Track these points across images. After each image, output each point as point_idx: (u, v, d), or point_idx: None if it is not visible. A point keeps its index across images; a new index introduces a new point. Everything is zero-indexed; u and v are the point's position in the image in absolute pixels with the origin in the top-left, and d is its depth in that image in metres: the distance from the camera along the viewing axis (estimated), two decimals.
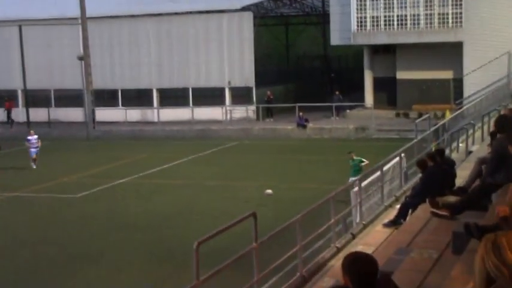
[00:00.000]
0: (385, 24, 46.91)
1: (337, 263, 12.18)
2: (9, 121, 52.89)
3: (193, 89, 51.73)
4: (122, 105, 53.25)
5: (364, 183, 17.94)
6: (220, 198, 27.86)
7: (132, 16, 53.15)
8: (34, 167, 35.52)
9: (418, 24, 46.30)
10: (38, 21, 54.61)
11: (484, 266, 3.83)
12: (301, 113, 45.62)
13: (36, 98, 54.40)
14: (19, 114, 54.44)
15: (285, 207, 21.57)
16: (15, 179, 33.84)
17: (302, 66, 66.67)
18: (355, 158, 26.92)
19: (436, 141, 24.56)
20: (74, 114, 52.87)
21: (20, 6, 63.68)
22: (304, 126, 45.24)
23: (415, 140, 24.25)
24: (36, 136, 36.25)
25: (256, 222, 10.42)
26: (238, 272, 12.07)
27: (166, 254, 20.87)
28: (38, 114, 53.37)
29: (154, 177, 31.75)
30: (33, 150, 35.77)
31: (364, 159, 26.66)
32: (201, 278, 8.92)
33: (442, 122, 27.71)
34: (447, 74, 47.08)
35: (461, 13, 45.36)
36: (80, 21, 49.71)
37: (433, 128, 26.85)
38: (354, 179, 21.18)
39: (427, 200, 12.12)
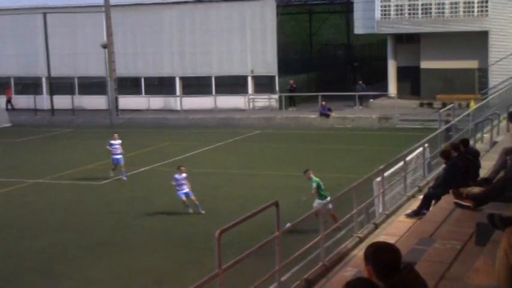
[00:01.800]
0: (409, 13, 46.58)
1: (359, 252, 12.16)
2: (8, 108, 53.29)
3: (216, 78, 51.75)
4: (145, 93, 53.43)
5: (387, 173, 17.86)
6: (242, 186, 27.88)
7: (156, 4, 53.18)
8: (112, 175, 30.03)
9: (443, 12, 45.91)
10: (63, 8, 54.84)
11: (507, 258, 3.79)
12: (323, 102, 45.48)
13: (60, 86, 54.72)
14: (43, 101, 54.80)
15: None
16: (40, 166, 34.09)
17: (325, 55, 66.44)
18: (313, 177, 21.49)
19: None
20: (98, 101, 53.12)
21: None
22: (327, 116, 45.12)
23: (439, 130, 24.10)
24: (120, 141, 30.17)
25: (278, 211, 10.41)
26: (260, 260, 12.09)
27: (189, 241, 20.94)
28: (62, 101, 53.69)
29: (176, 165, 31.81)
30: (115, 157, 29.77)
31: (320, 183, 21.32)
32: (223, 267, 8.93)
33: (465, 113, 27.38)
34: (472, 64, 46.67)
35: (487, 1, 44.89)
36: (104, 9, 49.84)
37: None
38: (319, 201, 20.64)
39: (450, 191, 12.03)
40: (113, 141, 29.96)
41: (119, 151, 29.69)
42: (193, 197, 23.74)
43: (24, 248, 20.99)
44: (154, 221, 23.32)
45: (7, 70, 56.12)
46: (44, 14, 54.18)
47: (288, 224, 13.56)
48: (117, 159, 29.68)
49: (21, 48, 55.71)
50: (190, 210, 23.61)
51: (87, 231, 22.56)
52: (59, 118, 51.20)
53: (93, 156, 34.99)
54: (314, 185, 21.19)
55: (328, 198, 20.36)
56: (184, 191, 23.72)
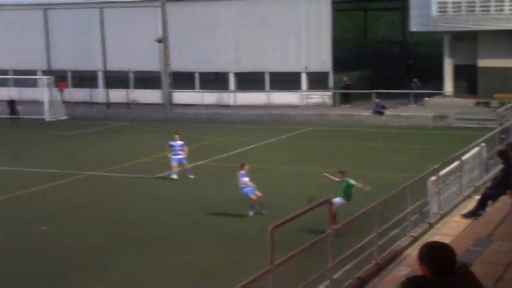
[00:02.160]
0: (467, 10, 45.84)
1: (413, 252, 11.98)
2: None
3: (270, 73, 51.71)
4: (199, 88, 53.70)
5: (442, 173, 17.59)
6: (294, 183, 27.79)
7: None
8: (174, 177, 28.96)
9: (502, 9, 45.07)
10: (119, 3, 55.46)
11: None
12: (377, 100, 45.10)
13: (115, 80, 55.35)
14: (99, 95, 55.52)
15: (359, 195, 21.35)
16: (95, 159, 34.52)
17: (379, 52, 65.84)
18: (346, 179, 21.47)
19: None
20: (152, 96, 53.57)
21: None
22: (381, 113, 44.73)
23: (496, 130, 23.67)
24: (181, 142, 29.13)
25: (330, 208, 10.32)
26: (312, 257, 12.00)
27: (239, 237, 20.96)
28: (117, 95, 54.33)
29: (230, 160, 31.87)
30: (175, 157, 28.82)
31: (355, 182, 21.52)
32: (275, 263, 8.88)
33: None
34: None
35: None
36: (159, 3, 50.20)
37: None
38: (342, 201, 20.67)
39: (507, 192, 11.80)
40: (173, 143, 28.99)
41: (179, 152, 28.78)
42: (259, 194, 23.23)
43: (76, 240, 21.23)
44: (205, 216, 23.37)
45: (64, 63, 56.97)
46: (101, 9, 54.85)
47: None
48: (178, 159, 28.82)
49: (78, 42, 56.46)
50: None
51: (137, 225, 22.72)
52: (114, 111, 51.78)
53: (147, 150, 35.26)
54: (351, 182, 21.17)
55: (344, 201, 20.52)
56: (248, 188, 23.34)
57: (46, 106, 49.03)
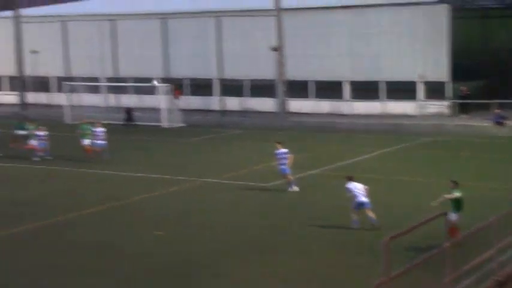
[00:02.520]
0: None
1: None
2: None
3: (385, 82, 50.98)
4: (313, 96, 53.60)
5: None
6: (408, 194, 27.24)
7: (326, 8, 53.17)
8: (295, 189, 28.12)
9: None
10: (235, 12, 56.13)
11: None
12: (498, 110, 43.69)
13: (230, 87, 55.97)
14: (215, 103, 56.33)
15: (477, 207, 20.66)
16: (209, 166, 34.93)
17: (500, 61, 63.75)
18: (454, 191, 20.34)
19: None
20: (267, 104, 53.84)
21: None
22: (502, 124, 43.29)
23: None
24: (284, 150, 28.41)
25: (447, 221, 9.96)
26: (427, 270, 11.62)
27: (353, 247, 20.65)
28: (232, 103, 54.95)
29: (344, 170, 31.54)
30: (281, 166, 28.28)
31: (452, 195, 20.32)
32: (391, 275, 8.62)
33: None
34: None
35: None
36: (275, 12, 50.41)
37: None
38: (455, 215, 19.69)
39: None
40: (276, 151, 28.72)
41: (284, 161, 28.25)
42: (370, 212, 22.42)
43: (190, 246, 21.47)
44: (320, 225, 23.17)
45: (181, 71, 58.09)
46: (218, 17, 55.68)
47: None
48: (282, 168, 28.40)
49: (195, 50, 57.45)
50: (355, 226, 22.55)
51: (252, 232, 22.78)
52: (229, 119, 52.36)
53: (260, 158, 35.37)
54: (457, 194, 20.19)
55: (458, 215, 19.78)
56: (361, 200, 22.63)
57: (164, 113, 50.08)
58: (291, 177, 28.37)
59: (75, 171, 34.21)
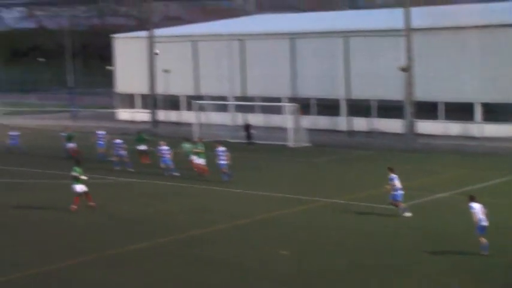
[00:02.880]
0: None
1: None
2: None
3: None
4: (443, 118, 52.33)
5: None
6: None
7: (458, 28, 51.91)
8: (407, 214, 27.41)
9: None
10: (363, 32, 55.75)
11: None
12: None
13: (357, 108, 55.46)
14: (341, 123, 55.98)
15: None
16: (336, 186, 34.68)
17: None
18: None
19: None
20: (394, 125, 52.96)
21: (346, 19, 65.80)
22: None
23: None
24: (395, 176, 27.86)
25: None
26: None
27: (485, 274, 19.86)
28: (359, 123, 54.43)
29: (473, 194, 30.52)
30: (394, 193, 27.69)
31: None
32: None
33: None
34: None
35: None
36: (404, 32, 49.60)
37: None
38: None
39: None
40: (392, 174, 27.98)
41: (397, 186, 27.58)
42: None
43: (312, 264, 21.38)
44: (446, 249, 22.56)
45: (308, 91, 58.07)
46: (346, 37, 55.41)
47: None
48: (393, 195, 27.70)
49: (322, 70, 57.36)
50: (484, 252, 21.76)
51: (373, 253, 22.47)
52: (355, 140, 51.87)
53: (386, 181, 34.66)
54: None
55: None
56: (484, 224, 22.00)
57: (290, 132, 50.12)
58: (401, 204, 27.67)
59: (199, 189, 34.83)
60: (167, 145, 38.88)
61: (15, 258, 23.19)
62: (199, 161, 37.60)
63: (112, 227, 27.53)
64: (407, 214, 27.47)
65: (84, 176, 30.09)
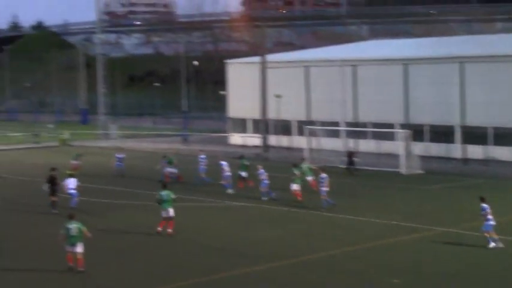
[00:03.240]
0: None
1: None
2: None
3: None
4: None
5: None
6: None
7: None
8: (491, 245, 26.75)
9: None
10: (480, 58, 54.50)
11: None
12: None
13: (472, 135, 54.08)
14: (456, 150, 54.69)
15: None
16: (448, 216, 33.86)
17: None
18: None
19: None
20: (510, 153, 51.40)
21: (461, 45, 64.54)
22: None
23: None
24: (486, 205, 27.23)
25: None
26: None
27: None
28: (474, 151, 53.05)
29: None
30: (485, 223, 27.07)
31: None
32: None
33: None
34: None
35: None
36: None
37: None
38: None
39: None
40: (484, 204, 27.22)
41: (489, 217, 26.88)
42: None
43: None
44: None
45: (421, 117, 57.07)
46: (461, 63, 54.30)
47: None
48: (486, 225, 27.05)
49: (435, 96, 56.29)
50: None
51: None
52: (470, 168, 50.53)
53: (502, 210, 33.52)
54: None
55: None
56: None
57: (402, 159, 49.30)
58: (493, 234, 26.86)
59: (303, 213, 34.69)
60: (264, 168, 39.02)
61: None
62: (293, 186, 37.49)
63: (218, 249, 27.72)
64: (493, 245, 26.67)
65: (171, 200, 30.02)
